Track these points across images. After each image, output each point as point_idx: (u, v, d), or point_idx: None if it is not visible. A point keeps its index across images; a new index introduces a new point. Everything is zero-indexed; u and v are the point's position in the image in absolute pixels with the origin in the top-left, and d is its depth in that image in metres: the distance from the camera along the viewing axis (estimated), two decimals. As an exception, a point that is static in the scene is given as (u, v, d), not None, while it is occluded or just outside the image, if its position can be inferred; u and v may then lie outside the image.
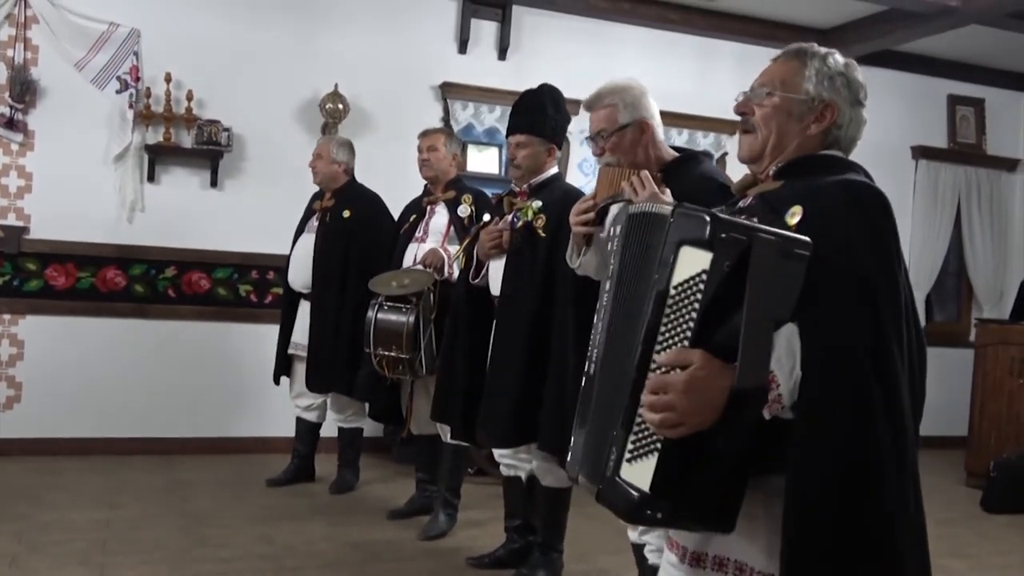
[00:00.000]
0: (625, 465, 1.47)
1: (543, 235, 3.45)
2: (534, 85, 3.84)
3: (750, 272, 1.39)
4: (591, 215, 2.63)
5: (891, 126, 6.99)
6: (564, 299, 3.31)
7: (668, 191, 2.53)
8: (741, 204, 1.73)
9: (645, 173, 2.51)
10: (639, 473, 1.45)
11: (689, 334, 1.42)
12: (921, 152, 7.25)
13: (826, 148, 1.71)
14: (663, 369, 1.45)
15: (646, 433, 1.46)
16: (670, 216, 1.49)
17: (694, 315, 1.41)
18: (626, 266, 1.61)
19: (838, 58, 1.73)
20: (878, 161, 7.21)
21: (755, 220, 1.60)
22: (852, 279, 1.48)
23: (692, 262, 1.42)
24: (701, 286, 1.40)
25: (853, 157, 1.75)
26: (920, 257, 7.13)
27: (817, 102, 1.68)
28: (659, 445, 1.43)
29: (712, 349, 1.43)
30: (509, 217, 3.63)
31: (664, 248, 1.48)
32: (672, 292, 1.44)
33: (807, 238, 1.46)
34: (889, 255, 1.52)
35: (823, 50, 1.74)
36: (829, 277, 1.47)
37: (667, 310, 1.45)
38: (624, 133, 2.76)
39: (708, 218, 1.41)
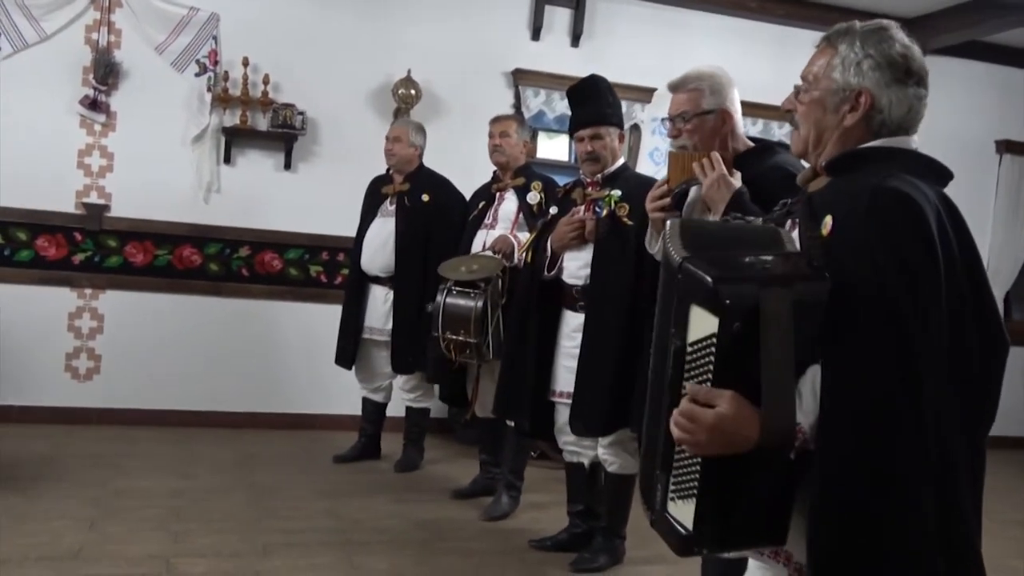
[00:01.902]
0: (671, 503, 1.48)
1: (629, 223, 3.44)
2: (607, 72, 3.82)
3: (762, 329, 1.33)
4: (667, 200, 2.65)
5: (975, 119, 6.81)
6: (655, 285, 3.29)
7: (739, 174, 2.56)
8: (791, 206, 1.67)
9: (716, 155, 2.55)
10: (684, 511, 1.44)
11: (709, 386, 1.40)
12: (1005, 146, 7.04)
13: (875, 135, 1.60)
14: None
15: (684, 476, 1.46)
16: (678, 272, 1.43)
17: (710, 374, 1.38)
18: (662, 287, 1.59)
19: (872, 38, 1.60)
20: (960, 155, 7.02)
21: (796, 229, 1.56)
22: (875, 307, 1.40)
23: (703, 322, 1.38)
24: (712, 348, 1.37)
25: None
26: (1001, 253, 6.94)
27: (848, 91, 1.59)
28: (696, 490, 1.42)
29: (743, 392, 1.38)
30: (581, 209, 3.63)
31: (676, 304, 1.43)
32: (689, 349, 1.42)
33: (826, 278, 1.40)
34: (914, 275, 1.40)
35: (859, 28, 1.63)
36: (851, 306, 1.40)
37: (687, 365, 1.43)
38: (706, 119, 2.74)
39: (710, 281, 1.35)
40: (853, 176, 1.56)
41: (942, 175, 1.60)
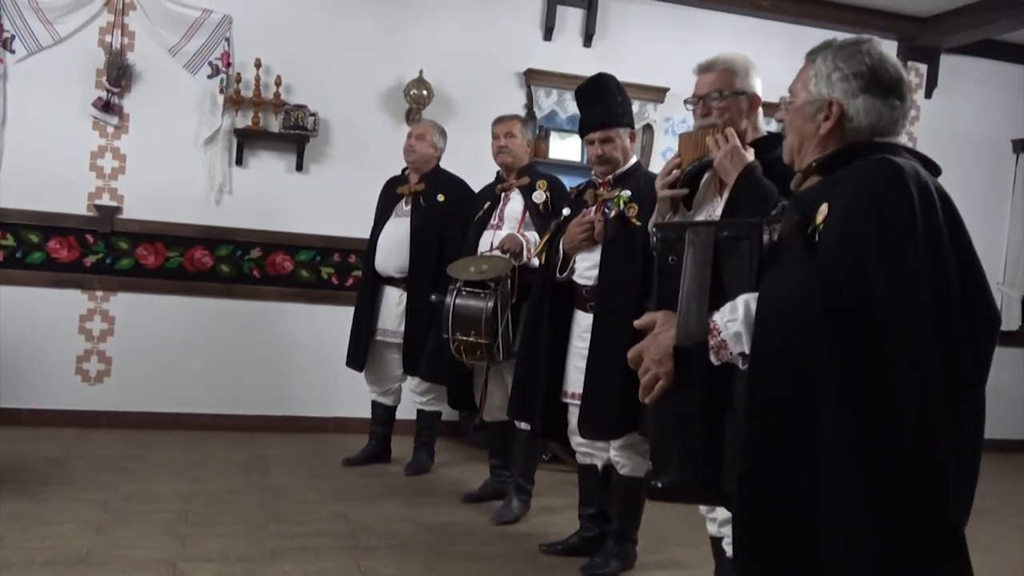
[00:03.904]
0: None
1: (638, 223, 3.41)
2: (619, 72, 3.78)
3: (685, 255, 1.71)
4: (675, 176, 2.71)
5: (991, 118, 6.74)
6: None
7: (752, 150, 2.59)
8: (784, 206, 1.78)
9: (730, 130, 2.58)
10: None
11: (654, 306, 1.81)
12: (1022, 146, 6.94)
13: (850, 141, 1.73)
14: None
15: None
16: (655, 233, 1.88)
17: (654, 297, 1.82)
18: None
19: (843, 53, 1.74)
20: (976, 154, 6.94)
21: (777, 225, 1.70)
22: (833, 241, 1.53)
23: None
24: (657, 274, 1.81)
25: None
26: (1019, 254, 6.84)
27: (821, 101, 1.74)
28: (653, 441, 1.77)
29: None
30: (592, 209, 3.60)
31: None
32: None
33: (749, 220, 1.72)
34: (883, 221, 1.51)
35: (835, 44, 1.76)
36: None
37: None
38: (738, 99, 2.75)
39: (654, 229, 1.86)
40: (841, 169, 1.67)
41: (932, 167, 1.69)
